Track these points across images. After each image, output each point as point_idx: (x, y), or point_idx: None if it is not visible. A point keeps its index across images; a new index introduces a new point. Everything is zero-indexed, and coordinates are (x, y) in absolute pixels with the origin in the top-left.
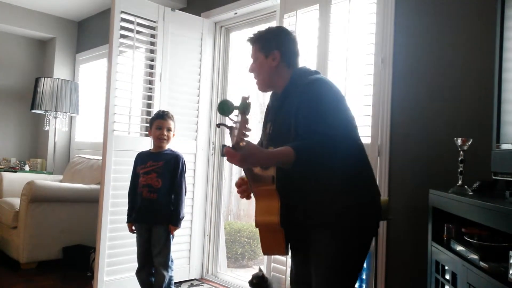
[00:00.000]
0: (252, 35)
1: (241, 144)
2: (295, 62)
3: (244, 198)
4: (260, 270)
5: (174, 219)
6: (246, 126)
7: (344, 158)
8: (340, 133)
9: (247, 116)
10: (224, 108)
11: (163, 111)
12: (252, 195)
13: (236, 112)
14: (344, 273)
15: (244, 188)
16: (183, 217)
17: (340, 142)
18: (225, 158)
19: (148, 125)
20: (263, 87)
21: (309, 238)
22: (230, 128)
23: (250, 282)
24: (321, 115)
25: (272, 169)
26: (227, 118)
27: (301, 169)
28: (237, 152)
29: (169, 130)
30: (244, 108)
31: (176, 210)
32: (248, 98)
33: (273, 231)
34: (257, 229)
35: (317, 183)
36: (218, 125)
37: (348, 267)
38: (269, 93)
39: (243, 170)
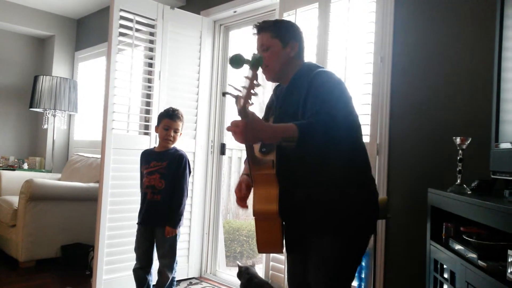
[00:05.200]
0: (261, 22)
1: (247, 105)
2: (304, 56)
3: (241, 207)
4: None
5: (171, 221)
6: (255, 82)
7: (345, 140)
8: (341, 116)
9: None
10: (236, 59)
11: (173, 110)
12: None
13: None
14: (347, 273)
15: (246, 195)
16: (180, 219)
17: (341, 124)
18: (226, 153)
19: (148, 123)
20: (272, 77)
21: (307, 238)
22: (236, 97)
23: (238, 274)
24: (325, 99)
25: (273, 153)
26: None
27: (304, 149)
28: (242, 119)
29: (176, 131)
30: (256, 62)
31: (175, 212)
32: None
33: (270, 221)
34: (254, 220)
35: (319, 165)
36: (224, 94)
37: (351, 267)
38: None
39: (246, 149)
